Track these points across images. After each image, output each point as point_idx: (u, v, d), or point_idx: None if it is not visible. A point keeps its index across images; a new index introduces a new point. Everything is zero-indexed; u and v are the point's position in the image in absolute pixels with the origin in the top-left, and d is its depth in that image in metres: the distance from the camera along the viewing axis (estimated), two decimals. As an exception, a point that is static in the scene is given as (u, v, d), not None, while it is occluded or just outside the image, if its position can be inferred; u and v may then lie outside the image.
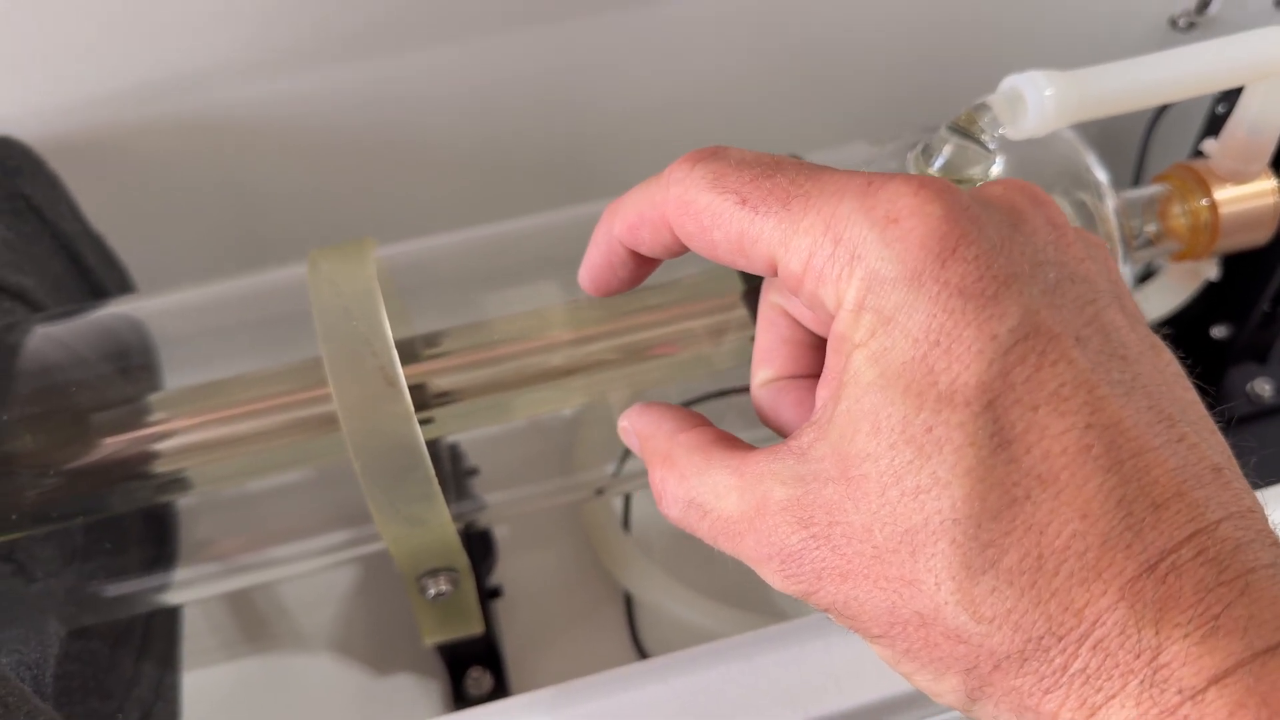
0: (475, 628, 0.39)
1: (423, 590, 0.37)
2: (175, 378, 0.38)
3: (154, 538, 0.42)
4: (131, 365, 0.39)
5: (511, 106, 0.45)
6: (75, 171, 0.43)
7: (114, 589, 0.39)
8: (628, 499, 0.48)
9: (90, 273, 0.43)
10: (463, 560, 0.36)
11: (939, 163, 0.34)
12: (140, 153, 0.43)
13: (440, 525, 0.33)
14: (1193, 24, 0.52)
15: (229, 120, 0.43)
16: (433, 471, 0.32)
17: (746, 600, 0.45)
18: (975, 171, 0.35)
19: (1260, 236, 0.40)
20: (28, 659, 0.34)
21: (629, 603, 0.46)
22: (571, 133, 0.47)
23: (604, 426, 0.46)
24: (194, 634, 0.45)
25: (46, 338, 0.38)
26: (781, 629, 0.33)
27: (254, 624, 0.46)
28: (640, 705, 0.33)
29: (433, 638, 0.39)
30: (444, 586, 0.36)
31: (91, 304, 0.40)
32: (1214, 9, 0.52)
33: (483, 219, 0.42)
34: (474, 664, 0.42)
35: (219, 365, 0.38)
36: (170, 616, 0.44)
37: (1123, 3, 0.51)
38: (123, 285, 0.46)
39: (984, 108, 0.34)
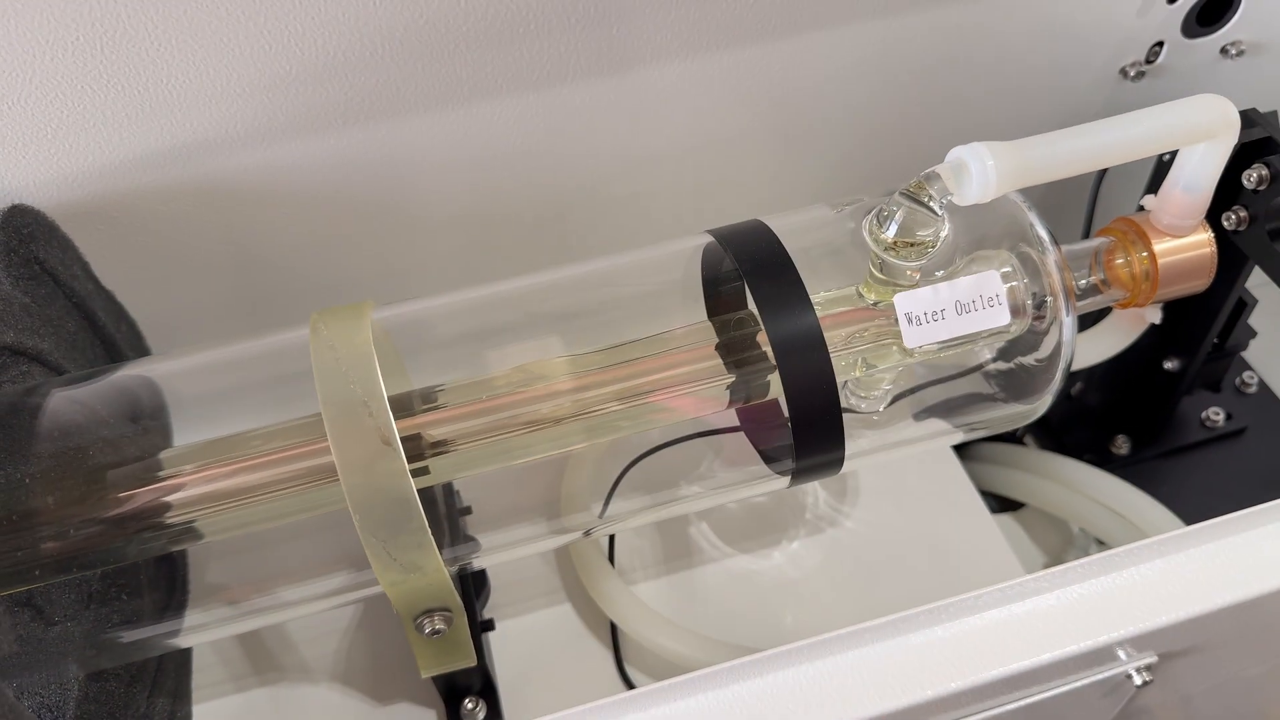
0: (469, 660, 0.42)
1: (419, 628, 0.39)
2: (185, 434, 0.41)
3: (165, 584, 0.44)
4: (144, 423, 0.42)
5: (500, 169, 0.48)
6: (86, 235, 0.45)
7: (129, 634, 0.42)
8: (612, 538, 0.50)
9: (103, 329, 0.46)
10: (455, 600, 0.39)
11: (892, 229, 0.37)
12: (148, 216, 0.46)
13: (434, 570, 0.36)
14: (1142, 73, 0.55)
15: (231, 185, 0.45)
16: (426, 524, 0.35)
17: (723, 631, 0.47)
18: (925, 234, 0.38)
19: (1198, 285, 0.43)
20: (49, 702, 0.37)
21: (615, 634, 0.48)
22: (556, 193, 0.50)
23: (589, 472, 0.49)
24: (204, 667, 0.47)
25: (65, 399, 0.40)
26: (754, 660, 0.35)
27: (261, 657, 0.48)
28: None
29: (430, 671, 0.41)
30: (439, 625, 0.39)
31: (106, 367, 0.42)
32: (1161, 59, 0.55)
33: (473, 274, 0.44)
34: (469, 694, 0.45)
35: (227, 422, 0.40)
36: (181, 653, 0.47)
37: (1075, 55, 0.54)
38: (134, 339, 0.49)
39: (933, 176, 0.37)
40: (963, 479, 0.54)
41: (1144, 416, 0.58)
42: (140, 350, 0.49)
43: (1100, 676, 0.41)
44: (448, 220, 0.49)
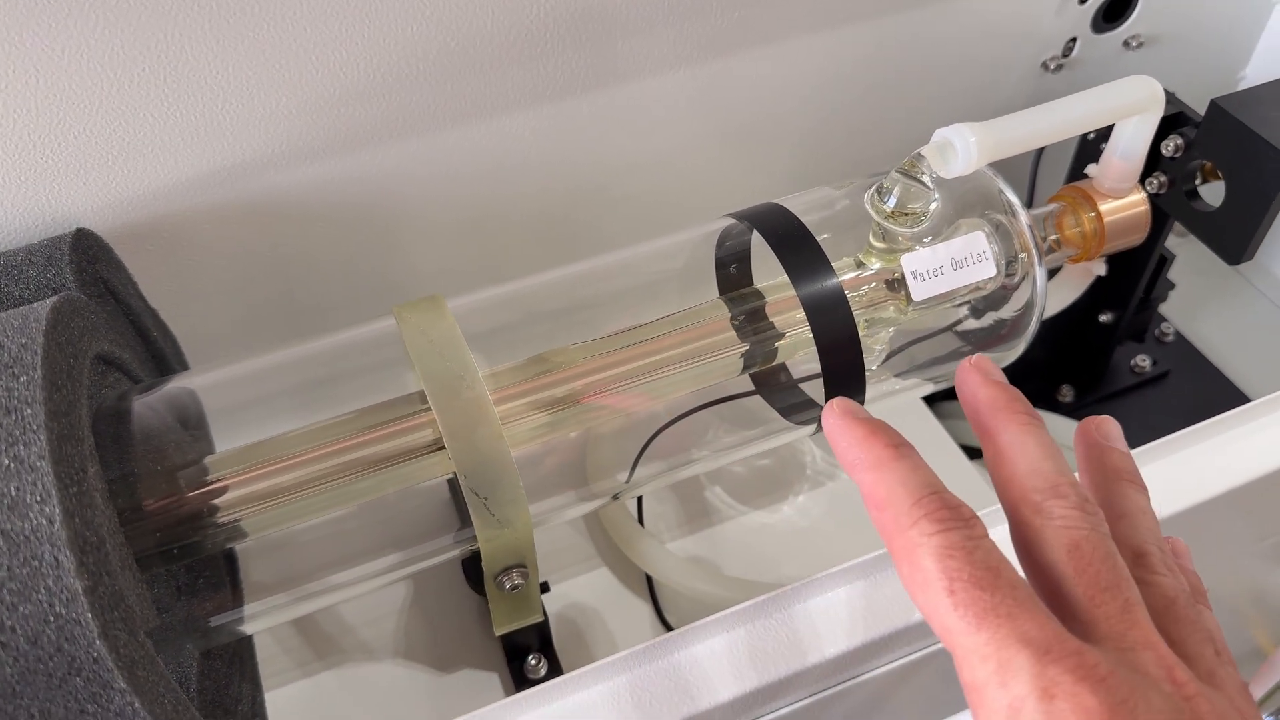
0: (537, 616, 0.46)
1: (500, 585, 0.43)
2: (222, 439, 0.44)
3: (234, 571, 0.47)
4: (191, 429, 0.45)
5: (517, 175, 0.53)
6: (135, 256, 0.48)
7: (217, 619, 0.44)
8: (640, 503, 0.55)
9: (154, 344, 0.49)
10: (533, 556, 0.43)
11: (891, 201, 0.43)
12: (192, 236, 0.49)
13: (523, 525, 0.40)
14: (1060, 65, 0.63)
15: (271, 203, 0.49)
16: (520, 480, 0.39)
17: (744, 571, 0.52)
18: (918, 206, 0.44)
19: (1137, 238, 0.50)
20: (176, 676, 0.40)
21: (652, 587, 0.53)
22: (565, 195, 0.55)
23: (612, 442, 0.53)
24: (269, 657, 0.50)
25: (143, 405, 0.43)
26: (774, 597, 0.41)
27: (322, 643, 0.51)
28: (671, 669, 0.40)
29: (503, 628, 0.46)
30: (517, 580, 0.43)
31: (161, 379, 0.46)
32: (1075, 53, 0.63)
33: (493, 274, 0.49)
34: (530, 652, 0.49)
35: (259, 428, 0.44)
36: (250, 643, 0.49)
37: (1004, 53, 0.61)
38: (176, 354, 0.51)
39: (920, 156, 0.43)
40: (939, 431, 0.60)
41: (1084, 367, 0.65)
42: (181, 364, 0.52)
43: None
44: (469, 224, 0.54)
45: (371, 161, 0.49)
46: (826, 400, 0.44)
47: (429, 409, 0.41)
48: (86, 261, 0.45)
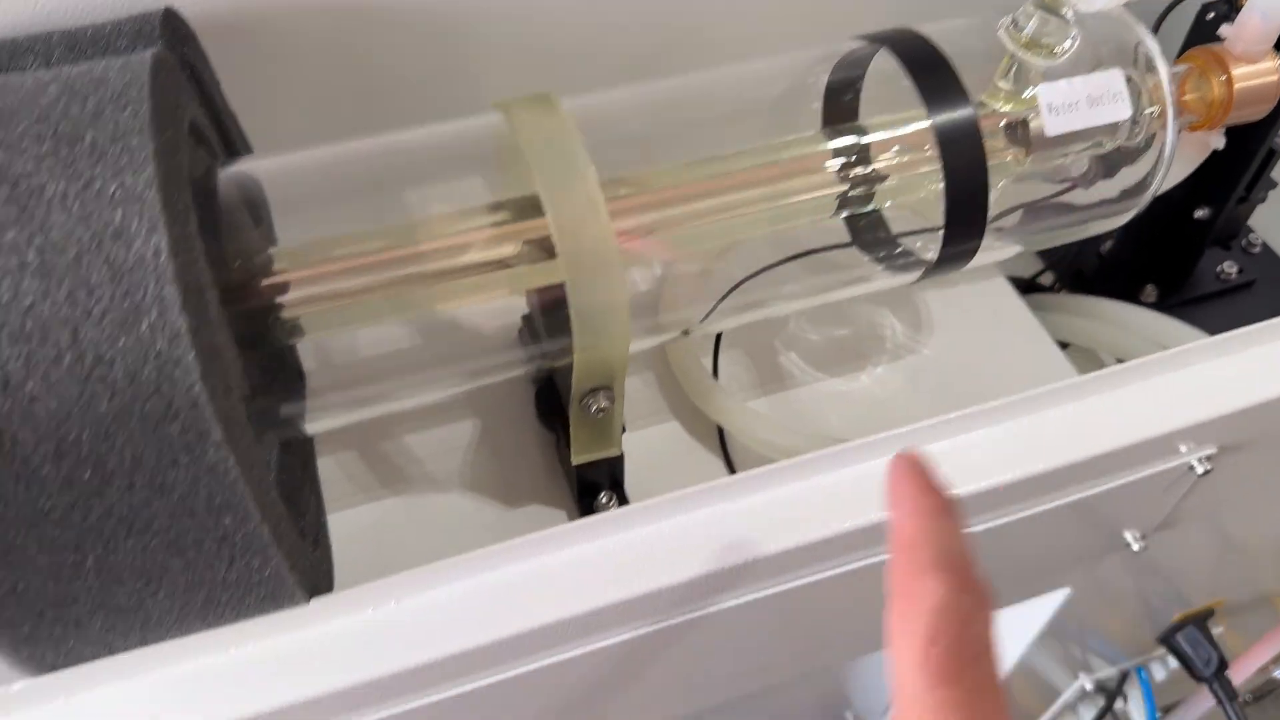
0: (616, 449, 0.45)
1: (585, 408, 0.42)
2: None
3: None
4: (265, 213, 0.43)
5: None
6: (218, 50, 0.46)
7: (286, 408, 0.43)
8: (717, 353, 0.54)
9: (233, 146, 0.47)
10: (622, 379, 0.41)
11: (1028, 31, 0.41)
12: (280, 34, 0.47)
13: (621, 338, 0.39)
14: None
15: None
16: (626, 287, 0.37)
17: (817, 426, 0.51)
18: (1054, 40, 0.41)
19: (1263, 110, 0.48)
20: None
21: (723, 438, 0.52)
22: (657, 24, 0.52)
23: (691, 276, 0.51)
24: (333, 480, 0.49)
25: (228, 182, 0.41)
26: (842, 450, 0.38)
27: (388, 471, 0.50)
28: (735, 513, 0.38)
29: (581, 457, 0.44)
30: (603, 403, 0.42)
31: (244, 157, 0.43)
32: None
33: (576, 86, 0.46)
34: (600, 490, 0.48)
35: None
36: (314, 458, 0.48)
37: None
38: (247, 149, 0.49)
39: (1062, -13, 0.41)
40: (1030, 320, 0.58)
41: (1171, 266, 0.63)
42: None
43: (1165, 467, 0.45)
44: (557, 44, 0.51)
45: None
46: (946, 239, 0.42)
47: (515, 220, 0.39)
48: (176, 41, 0.43)
